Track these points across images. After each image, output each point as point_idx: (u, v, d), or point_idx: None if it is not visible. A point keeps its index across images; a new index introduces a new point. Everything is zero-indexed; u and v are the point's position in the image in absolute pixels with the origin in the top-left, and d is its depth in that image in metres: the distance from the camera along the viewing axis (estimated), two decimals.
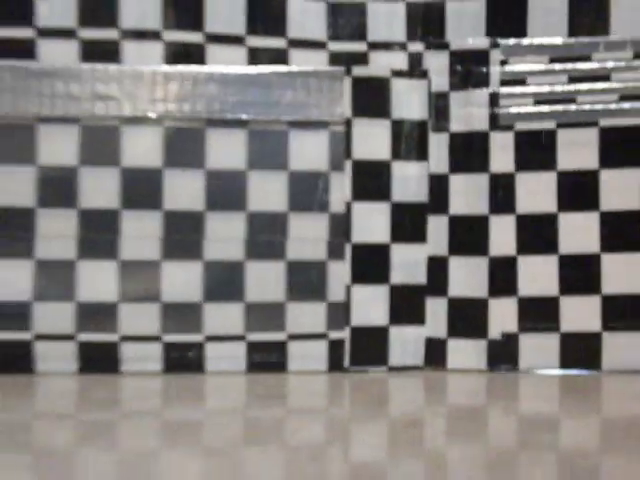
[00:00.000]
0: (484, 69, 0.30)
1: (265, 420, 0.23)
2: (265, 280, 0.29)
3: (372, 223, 0.30)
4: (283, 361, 0.29)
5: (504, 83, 0.30)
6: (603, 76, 0.29)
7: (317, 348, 0.29)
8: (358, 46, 0.30)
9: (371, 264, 0.30)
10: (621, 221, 0.29)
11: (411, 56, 0.30)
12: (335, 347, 0.29)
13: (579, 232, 0.29)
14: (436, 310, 0.30)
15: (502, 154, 0.30)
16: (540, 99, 0.30)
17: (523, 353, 0.29)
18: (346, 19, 0.30)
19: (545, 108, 0.30)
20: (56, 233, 0.28)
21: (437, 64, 0.30)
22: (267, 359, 0.29)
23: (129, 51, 0.29)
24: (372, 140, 0.30)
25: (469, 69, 0.30)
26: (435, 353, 0.30)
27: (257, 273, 0.29)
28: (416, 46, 0.30)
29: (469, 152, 0.30)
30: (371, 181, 0.30)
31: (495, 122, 0.30)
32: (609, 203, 0.29)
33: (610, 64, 0.29)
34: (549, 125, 0.29)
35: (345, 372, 0.29)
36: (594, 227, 0.29)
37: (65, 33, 0.28)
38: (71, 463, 0.18)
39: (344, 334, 0.29)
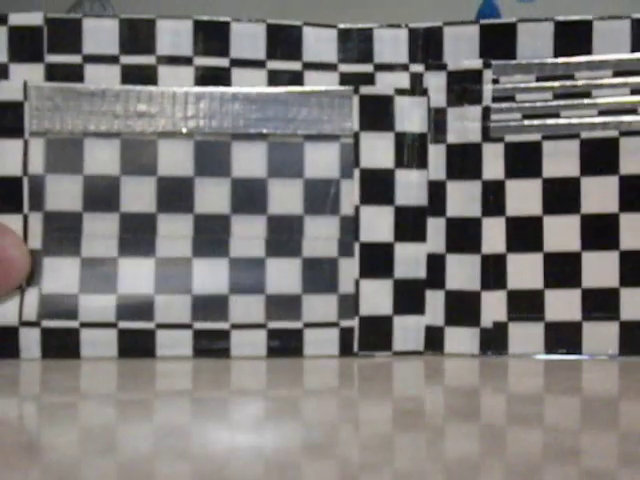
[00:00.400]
0: (477, 87, 0.31)
1: (284, 399, 0.24)
2: (283, 275, 0.30)
3: (378, 224, 0.31)
4: (299, 347, 0.30)
5: (495, 99, 0.31)
6: (585, 93, 0.30)
7: (329, 335, 0.30)
8: (365, 67, 0.31)
9: (377, 260, 0.31)
10: (599, 223, 0.30)
11: (412, 76, 0.31)
12: (345, 334, 0.30)
13: (562, 232, 0.30)
14: (434, 301, 0.31)
15: (493, 163, 0.31)
16: (527, 114, 0.31)
17: (512, 340, 0.30)
18: (355, 44, 0.31)
19: (531, 122, 0.30)
20: (100, 234, 0.30)
21: (436, 83, 0.31)
22: (285, 345, 0.30)
23: (164, 74, 0.30)
24: (378, 151, 0.31)
25: (464, 87, 0.31)
26: (434, 339, 0.31)
27: (276, 268, 0.30)
28: (417, 67, 0.31)
29: (464, 161, 0.31)
30: (377, 187, 0.31)
31: (487, 134, 0.31)
32: (589, 207, 0.30)
33: (591, 82, 0.30)
34: (535, 137, 0.30)
35: (354, 356, 0.30)
36: (575, 228, 0.30)
37: (109, 59, 0.30)
38: (114, 436, 0.20)
39: (354, 323, 0.31)
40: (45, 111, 0.29)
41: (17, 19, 0.30)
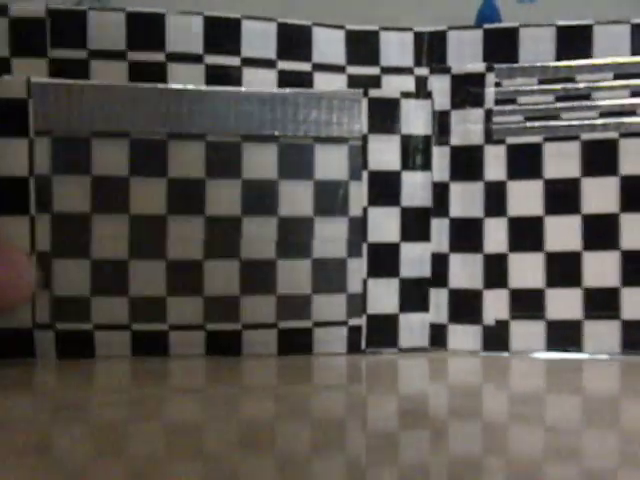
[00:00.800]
0: (480, 90, 0.30)
1: (294, 395, 0.23)
2: (294, 275, 0.29)
3: (385, 225, 0.30)
4: (309, 345, 0.29)
5: (498, 102, 0.30)
6: (585, 95, 0.30)
7: (338, 333, 0.30)
8: (372, 70, 0.30)
9: (384, 260, 0.30)
10: (599, 223, 0.29)
11: (417, 79, 0.31)
12: (354, 332, 0.30)
13: (563, 232, 0.30)
14: (438, 299, 0.31)
15: (495, 164, 0.30)
16: (529, 116, 0.30)
17: (513, 337, 0.30)
18: (362, 46, 0.30)
19: (533, 124, 0.30)
20: (110, 236, 0.28)
21: (440, 86, 0.31)
22: (296, 343, 0.29)
23: (174, 72, 0.28)
24: (385, 153, 0.30)
25: (468, 90, 0.30)
26: (437, 336, 0.31)
27: (287, 269, 0.29)
28: (422, 71, 0.31)
29: (467, 163, 0.30)
30: (384, 188, 0.30)
31: (489, 136, 0.30)
32: (589, 207, 0.29)
33: (592, 84, 0.30)
34: (536, 139, 0.30)
35: (362, 354, 0.30)
36: (576, 228, 0.30)
37: (115, 55, 0.28)
38: (126, 432, 0.19)
39: (361, 321, 0.30)
40: (50, 109, 0.28)
41: (19, 10, 0.28)
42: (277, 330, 0.29)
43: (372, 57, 0.30)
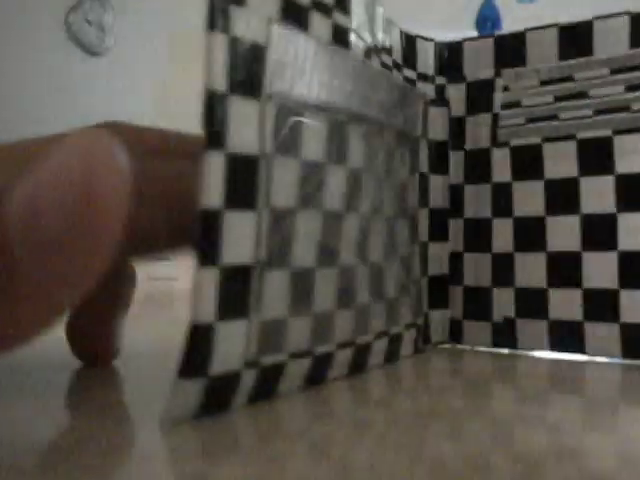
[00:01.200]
0: (490, 96, 0.31)
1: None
2: (383, 279, 0.26)
3: (421, 225, 0.31)
4: (399, 349, 0.28)
5: (505, 106, 0.31)
6: (582, 93, 0.29)
7: (411, 335, 0.29)
8: (412, 74, 0.31)
9: (421, 259, 0.30)
10: (598, 223, 0.29)
11: (437, 87, 0.32)
12: (418, 332, 0.29)
13: (564, 232, 0.30)
14: (455, 296, 0.32)
15: (501, 167, 0.31)
16: (530, 117, 0.31)
17: (520, 335, 0.30)
18: (407, 51, 0.30)
19: (532, 125, 0.31)
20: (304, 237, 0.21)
21: (456, 94, 0.32)
22: (392, 349, 0.27)
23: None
24: (422, 156, 0.31)
25: (479, 96, 0.32)
26: (455, 331, 0.32)
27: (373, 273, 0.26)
28: (441, 79, 0.32)
29: (477, 166, 0.32)
30: (422, 190, 0.31)
31: (495, 140, 0.31)
32: (588, 207, 0.29)
33: (588, 82, 0.29)
34: (536, 140, 0.30)
35: (420, 352, 0.30)
36: (576, 228, 0.29)
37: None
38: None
39: (421, 320, 0.30)
40: (287, 65, 0.20)
41: None
42: (388, 338, 0.27)
43: (412, 62, 0.31)
